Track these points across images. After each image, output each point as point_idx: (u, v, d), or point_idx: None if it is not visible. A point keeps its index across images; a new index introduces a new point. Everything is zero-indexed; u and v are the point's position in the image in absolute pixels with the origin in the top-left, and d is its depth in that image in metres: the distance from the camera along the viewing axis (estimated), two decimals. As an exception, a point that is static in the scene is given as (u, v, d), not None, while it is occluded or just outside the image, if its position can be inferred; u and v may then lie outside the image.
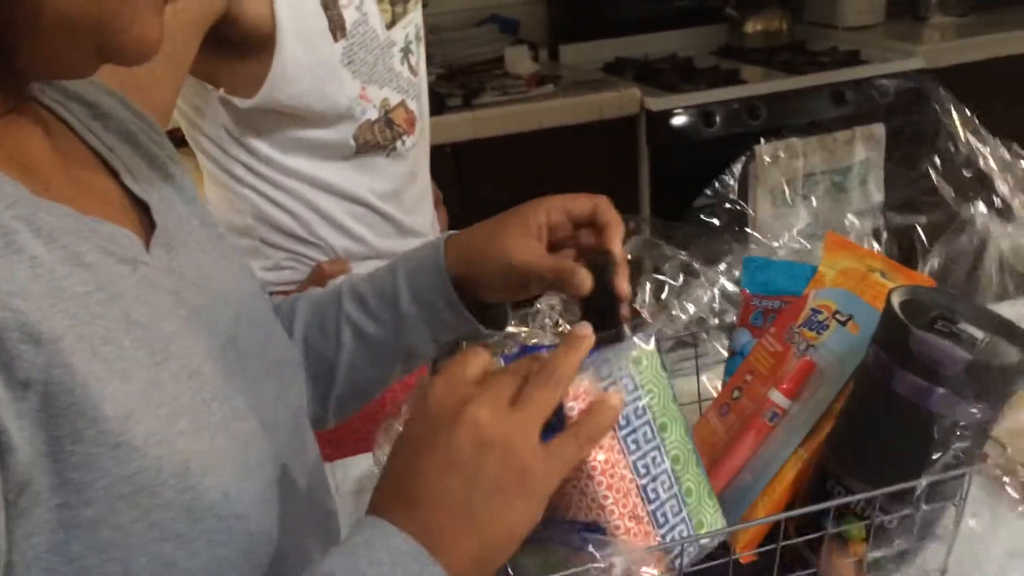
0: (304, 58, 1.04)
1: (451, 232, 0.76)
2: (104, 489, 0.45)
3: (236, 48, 1.03)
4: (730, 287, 0.86)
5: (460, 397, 0.51)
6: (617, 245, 0.68)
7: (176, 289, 0.54)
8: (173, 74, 0.98)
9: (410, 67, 1.18)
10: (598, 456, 0.54)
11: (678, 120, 2.27)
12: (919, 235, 0.96)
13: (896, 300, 0.60)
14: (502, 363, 0.63)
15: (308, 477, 0.63)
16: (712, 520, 0.59)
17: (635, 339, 0.58)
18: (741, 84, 2.36)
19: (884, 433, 0.60)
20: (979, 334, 0.57)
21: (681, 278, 0.82)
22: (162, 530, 0.47)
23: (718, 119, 2.27)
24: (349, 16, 1.07)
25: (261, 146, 1.11)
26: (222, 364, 0.55)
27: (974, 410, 0.56)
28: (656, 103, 2.26)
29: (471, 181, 2.15)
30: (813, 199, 2.01)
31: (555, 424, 0.52)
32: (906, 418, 0.58)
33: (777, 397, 0.65)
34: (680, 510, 0.57)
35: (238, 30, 1.01)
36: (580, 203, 0.71)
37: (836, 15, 2.77)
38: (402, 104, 1.16)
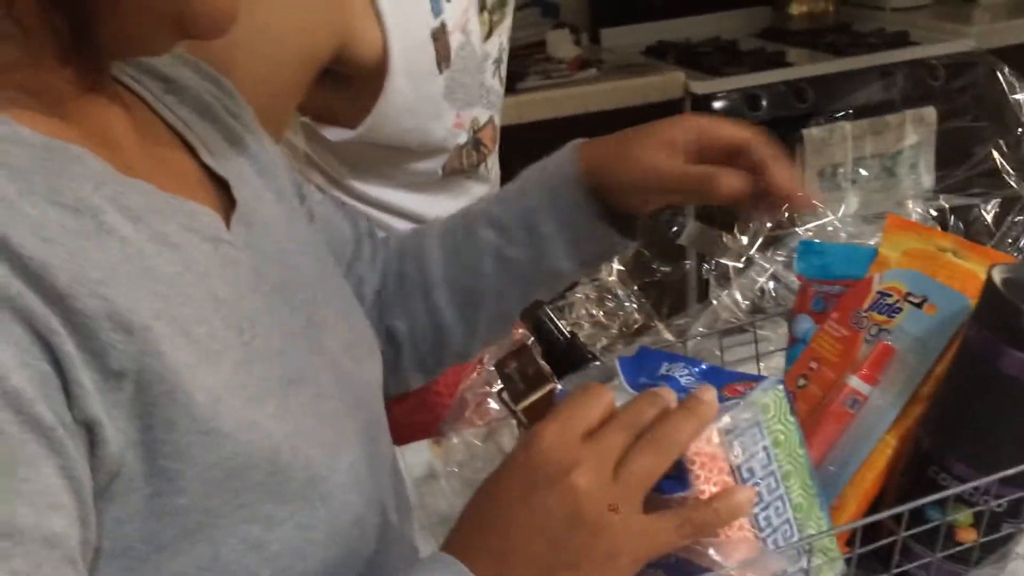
0: (410, 96, 0.97)
1: (580, 140, 0.73)
2: (196, 477, 0.45)
3: (339, 82, 0.97)
4: (784, 273, 0.84)
5: (566, 456, 0.48)
6: (779, 183, 0.65)
7: (256, 266, 0.54)
8: (281, 115, 0.95)
9: (500, 78, 1.12)
10: None
11: (723, 104, 2.23)
12: (982, 217, 0.93)
13: (998, 277, 0.58)
14: (619, 368, 0.61)
15: (387, 457, 0.63)
16: (832, 560, 0.57)
17: (763, 385, 0.55)
18: (787, 67, 2.32)
19: (991, 415, 0.58)
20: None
21: (740, 264, 0.80)
22: (252, 512, 0.47)
23: (764, 102, 2.23)
24: (455, 42, 1.00)
25: (345, 175, 1.07)
26: (304, 341, 0.55)
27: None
28: (700, 86, 2.23)
29: (515, 166, 2.14)
30: (862, 183, 1.97)
31: (675, 477, 0.50)
32: (1014, 397, 0.57)
33: (856, 383, 0.63)
34: (799, 559, 0.56)
35: (348, 69, 0.95)
36: (727, 131, 0.67)
37: (883, -5, 2.72)
38: (490, 121, 1.11)
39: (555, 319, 0.62)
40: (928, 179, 2.18)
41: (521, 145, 2.45)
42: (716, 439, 0.52)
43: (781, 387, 0.56)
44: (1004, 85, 0.94)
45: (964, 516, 0.59)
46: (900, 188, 2.14)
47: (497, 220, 0.75)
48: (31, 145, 0.44)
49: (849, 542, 0.59)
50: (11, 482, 0.37)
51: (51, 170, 0.43)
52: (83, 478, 0.41)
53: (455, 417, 0.81)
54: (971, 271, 0.66)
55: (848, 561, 0.59)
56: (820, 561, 0.59)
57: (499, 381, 0.72)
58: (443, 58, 0.99)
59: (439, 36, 0.98)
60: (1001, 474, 0.57)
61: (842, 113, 2.12)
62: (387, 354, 0.77)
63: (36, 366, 0.39)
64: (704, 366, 0.58)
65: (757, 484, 0.54)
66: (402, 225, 1.08)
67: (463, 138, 1.07)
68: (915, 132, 2.17)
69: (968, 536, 0.59)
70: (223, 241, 0.52)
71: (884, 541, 0.58)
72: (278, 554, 0.48)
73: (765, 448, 0.55)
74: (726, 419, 0.53)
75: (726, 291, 0.80)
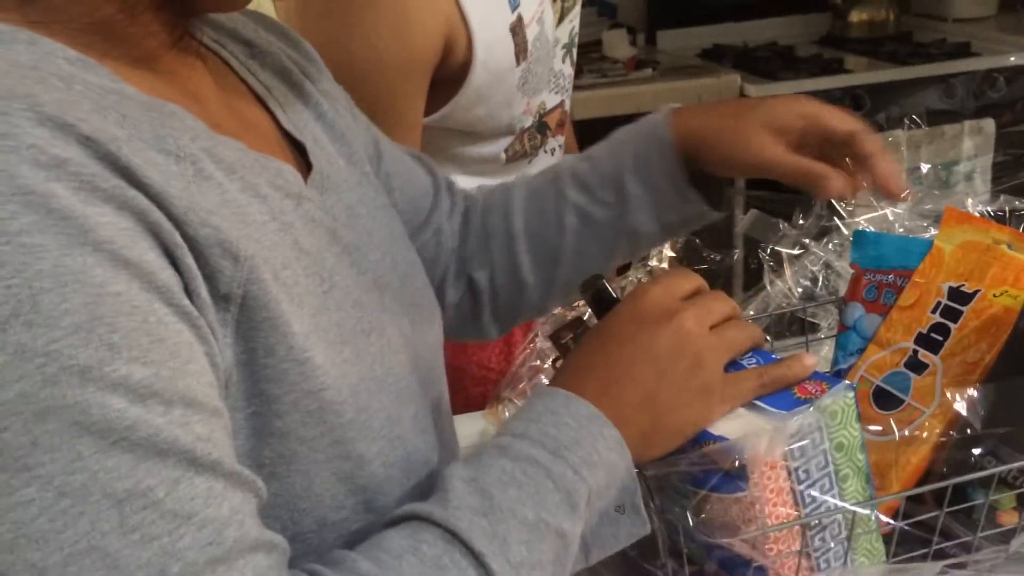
0: (487, 88, 1.00)
1: (674, 106, 0.74)
2: (292, 403, 0.48)
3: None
4: (835, 262, 0.85)
5: (672, 304, 0.57)
6: (884, 177, 0.67)
7: (331, 227, 0.57)
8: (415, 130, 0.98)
9: (572, 62, 1.13)
10: (767, 508, 0.55)
11: (778, 108, 2.23)
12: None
13: None
14: None
15: (446, 415, 0.66)
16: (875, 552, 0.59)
17: (834, 390, 0.57)
18: (845, 73, 2.31)
19: None
20: None
21: (793, 251, 0.82)
22: (345, 448, 0.50)
23: (819, 108, 2.23)
24: (531, 33, 1.02)
25: None
26: (371, 300, 0.58)
27: None
28: (756, 90, 2.23)
29: (567, 161, 2.16)
30: (918, 193, 1.95)
31: (734, 477, 0.54)
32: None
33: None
34: (843, 556, 0.58)
35: (441, 71, 0.97)
36: (837, 120, 0.68)
37: (946, 6, 2.69)
38: (560, 105, 1.12)
39: (612, 291, 0.64)
40: (984, 190, 2.16)
41: (578, 142, 2.46)
42: (779, 448, 0.54)
43: (852, 393, 0.57)
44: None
45: (1007, 498, 0.60)
46: (952, 195, 2.12)
47: (583, 179, 0.76)
48: (134, 100, 0.47)
49: (892, 518, 0.61)
50: (178, 362, 0.41)
51: (154, 121, 0.46)
52: (220, 369, 0.45)
53: (509, 387, 0.83)
54: (1016, 258, 0.67)
55: (890, 538, 0.61)
56: (864, 560, 0.60)
57: (555, 353, 0.74)
58: (521, 50, 1.01)
59: (517, 30, 1.00)
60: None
61: (900, 122, 2.11)
62: (466, 303, 0.80)
63: (171, 270, 0.43)
64: (775, 356, 0.60)
65: (812, 485, 0.56)
66: None
67: (528, 122, 1.08)
68: (973, 143, 2.15)
69: (1010, 519, 0.60)
70: (304, 198, 0.55)
71: (925, 516, 0.60)
72: (364, 487, 0.52)
73: (824, 452, 0.56)
74: (793, 425, 0.55)
75: (779, 277, 0.82)
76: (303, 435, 0.48)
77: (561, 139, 1.15)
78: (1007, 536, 0.61)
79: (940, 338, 0.68)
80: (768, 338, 0.83)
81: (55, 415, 0.37)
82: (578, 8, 1.13)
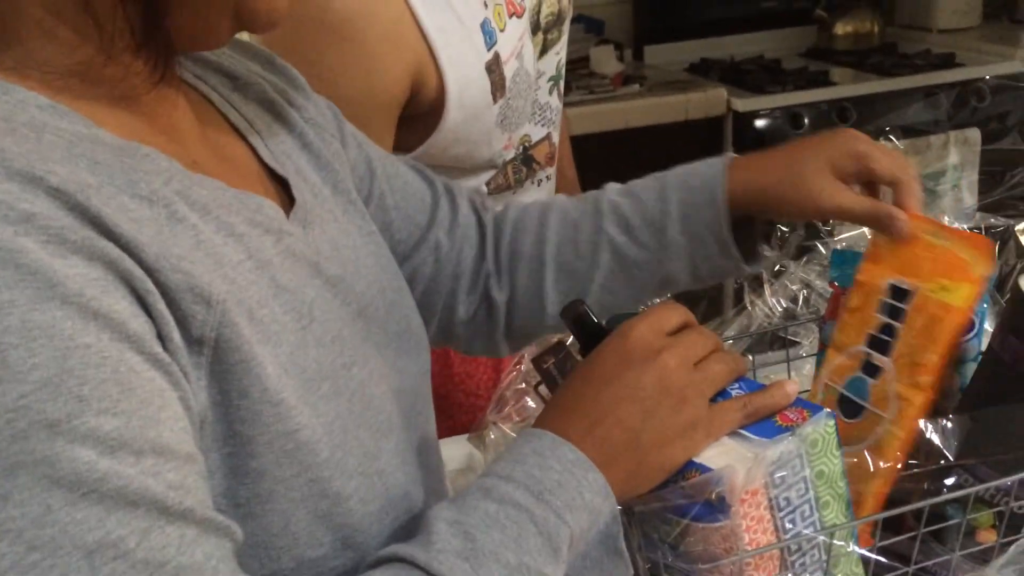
0: (463, 127, 0.99)
1: (732, 155, 0.74)
2: (267, 443, 0.48)
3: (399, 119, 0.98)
4: (815, 282, 0.86)
5: (656, 342, 0.57)
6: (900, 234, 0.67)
7: (314, 261, 0.57)
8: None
9: (559, 95, 1.12)
10: (747, 536, 0.55)
11: (765, 121, 2.25)
12: (1016, 239, 0.94)
13: None
14: None
15: (431, 443, 0.66)
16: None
17: (815, 418, 0.58)
18: (831, 86, 2.33)
19: (1014, 419, 0.60)
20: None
21: (773, 269, 0.82)
22: (321, 486, 0.51)
23: (806, 120, 2.24)
24: (509, 70, 1.01)
25: None
26: (354, 332, 0.58)
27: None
28: (743, 104, 2.25)
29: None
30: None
31: (714, 507, 0.54)
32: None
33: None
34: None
35: (410, 109, 0.97)
36: (886, 166, 0.69)
37: (930, 17, 2.71)
38: (547, 138, 1.11)
39: (595, 316, 0.65)
40: (971, 201, 2.17)
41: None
42: (759, 476, 0.55)
43: (832, 421, 0.58)
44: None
45: (984, 516, 0.60)
46: (940, 206, 2.13)
47: (626, 217, 0.75)
48: (108, 145, 0.47)
49: (871, 536, 0.61)
50: (150, 410, 0.41)
51: (126, 166, 0.47)
52: (195, 412, 0.45)
53: (494, 411, 0.83)
54: (947, 250, 0.67)
55: (868, 561, 0.61)
56: None
57: (537, 377, 0.75)
58: (498, 88, 1.00)
59: (493, 68, 0.99)
60: (1022, 475, 0.58)
61: (885, 133, 2.12)
62: (480, 318, 0.79)
63: (143, 317, 0.43)
64: (758, 384, 0.61)
65: (792, 513, 0.57)
66: None
67: (511, 155, 1.08)
68: (958, 153, 2.16)
69: (988, 537, 0.61)
70: (285, 233, 0.55)
71: (903, 536, 0.60)
72: (341, 524, 0.52)
73: (804, 479, 0.57)
74: (773, 454, 0.56)
75: (759, 298, 0.82)
76: (279, 475, 0.49)
77: (551, 170, 1.14)
78: (987, 554, 0.62)
79: (888, 339, 0.67)
80: (751, 356, 0.83)
81: (25, 470, 0.38)
82: (564, 39, 1.12)
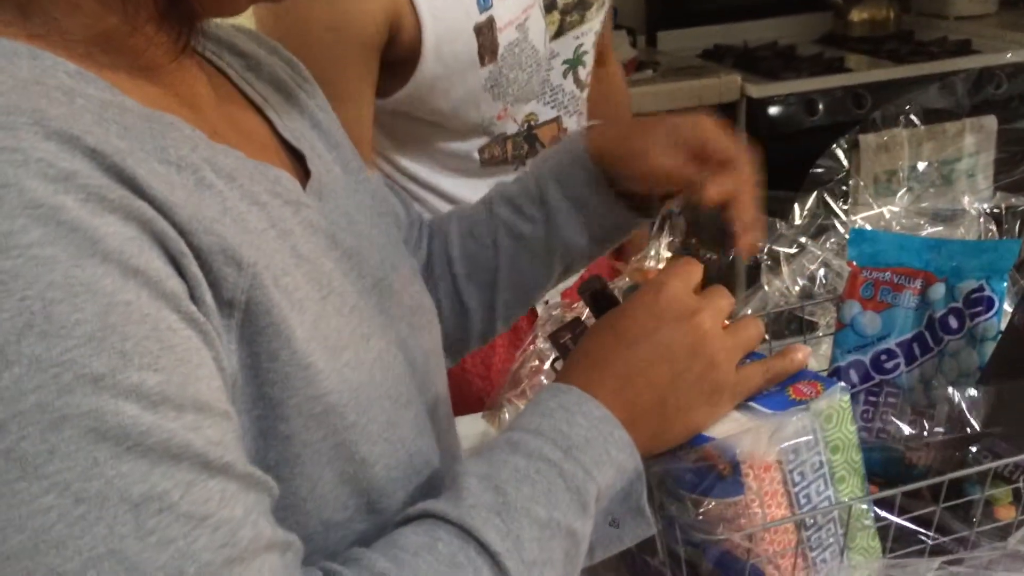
0: (443, 80, 1.01)
1: (592, 123, 0.76)
2: (296, 407, 0.48)
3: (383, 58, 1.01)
4: (833, 260, 0.85)
5: (691, 302, 0.58)
6: (739, 211, 0.69)
7: (330, 232, 0.58)
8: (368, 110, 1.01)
9: (576, 80, 1.12)
10: (762, 511, 0.55)
11: (779, 108, 2.24)
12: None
13: None
14: None
15: (447, 418, 0.67)
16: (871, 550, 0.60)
17: (828, 392, 0.58)
18: (846, 72, 2.31)
19: None
20: None
21: (792, 249, 0.82)
22: (348, 451, 0.51)
23: (821, 107, 2.23)
24: (505, 38, 1.02)
25: (388, 147, 1.10)
26: (371, 303, 0.59)
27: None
28: (757, 90, 2.24)
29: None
30: (918, 190, 1.96)
31: (729, 482, 0.55)
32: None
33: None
34: (839, 555, 0.59)
35: (388, 53, 1.00)
36: (723, 145, 0.70)
37: (947, 5, 2.69)
38: (556, 120, 1.11)
39: (611, 292, 0.65)
40: (985, 187, 2.16)
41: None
42: (773, 450, 0.55)
43: (847, 396, 0.58)
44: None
45: (1003, 493, 0.60)
46: (955, 191, 2.12)
47: (511, 197, 0.78)
48: (134, 112, 0.47)
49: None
50: (188, 368, 0.42)
51: (155, 131, 0.47)
52: (227, 373, 0.46)
53: (509, 389, 0.83)
54: None
55: (886, 535, 0.61)
56: (860, 558, 0.60)
57: (553, 353, 0.75)
58: (487, 52, 1.01)
59: (484, 31, 1.00)
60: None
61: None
62: None
63: (177, 278, 0.43)
64: (761, 355, 0.61)
65: (807, 487, 0.57)
66: (446, 208, 1.11)
67: (511, 129, 1.08)
68: (974, 140, 2.15)
69: (1007, 513, 0.61)
70: (303, 205, 0.56)
71: (921, 511, 0.60)
72: (367, 489, 0.53)
73: (819, 453, 0.57)
74: (787, 427, 0.56)
75: (777, 276, 0.82)
76: (307, 439, 0.49)
77: None
78: (1004, 531, 0.62)
79: None
80: (767, 337, 0.83)
81: (71, 423, 0.38)
82: (590, 27, 1.11)
